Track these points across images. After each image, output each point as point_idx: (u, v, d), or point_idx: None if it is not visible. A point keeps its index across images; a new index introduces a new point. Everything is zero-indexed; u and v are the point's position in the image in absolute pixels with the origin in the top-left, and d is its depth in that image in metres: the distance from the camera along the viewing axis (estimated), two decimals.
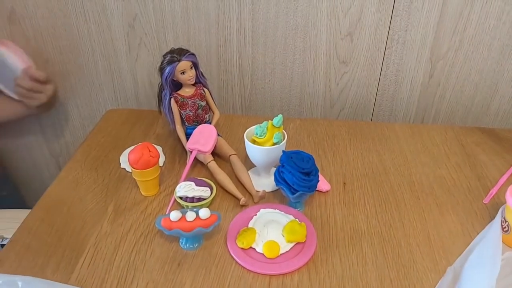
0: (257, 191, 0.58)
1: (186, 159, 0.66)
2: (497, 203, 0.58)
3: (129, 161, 0.56)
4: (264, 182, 0.61)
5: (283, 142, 0.57)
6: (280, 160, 0.54)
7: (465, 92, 0.80)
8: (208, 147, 0.61)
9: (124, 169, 0.65)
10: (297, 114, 0.86)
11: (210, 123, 0.66)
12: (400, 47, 0.76)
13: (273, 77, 0.82)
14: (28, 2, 0.76)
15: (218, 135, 0.65)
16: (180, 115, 0.65)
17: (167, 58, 0.62)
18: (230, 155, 0.63)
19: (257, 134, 0.56)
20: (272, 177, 0.60)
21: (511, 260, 0.49)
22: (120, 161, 0.67)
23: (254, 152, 0.56)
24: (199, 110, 0.65)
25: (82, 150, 0.68)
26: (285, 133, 0.57)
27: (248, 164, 0.63)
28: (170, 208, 0.56)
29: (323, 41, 0.76)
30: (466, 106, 0.82)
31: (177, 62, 0.61)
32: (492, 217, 0.55)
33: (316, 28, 0.75)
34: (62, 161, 0.97)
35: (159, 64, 0.63)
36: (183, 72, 0.62)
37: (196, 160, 0.64)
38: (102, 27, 0.78)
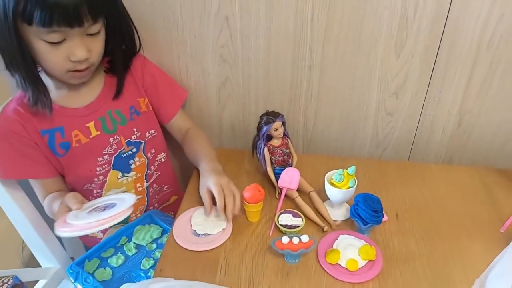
0: (334, 220, 0.79)
1: (275, 192, 0.87)
2: (510, 233, 0.77)
3: (244, 197, 0.77)
4: (336, 213, 0.82)
5: (355, 186, 0.77)
6: (356, 200, 0.75)
7: (485, 139, 1.00)
8: (295, 186, 0.82)
9: (195, 231, 0.78)
10: (348, 152, 1.06)
11: (291, 165, 0.87)
12: (435, 104, 0.96)
13: (331, 124, 1.02)
14: None
15: None
16: (271, 160, 0.86)
17: (264, 119, 0.83)
18: (310, 192, 0.84)
19: (336, 179, 0.77)
20: (342, 209, 0.82)
21: None
22: (192, 223, 0.79)
23: (335, 193, 0.78)
24: (285, 156, 0.86)
25: (193, 185, 0.90)
26: (356, 179, 0.78)
27: (322, 197, 0.84)
28: (272, 231, 0.77)
29: (374, 98, 0.96)
30: (486, 149, 1.02)
31: (272, 123, 0.82)
32: (507, 243, 0.73)
33: (369, 89, 0.95)
34: None
35: (252, 120, 0.85)
36: (276, 129, 0.83)
37: None
38: (200, 83, 0.99)
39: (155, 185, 0.99)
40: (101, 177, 0.89)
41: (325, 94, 0.98)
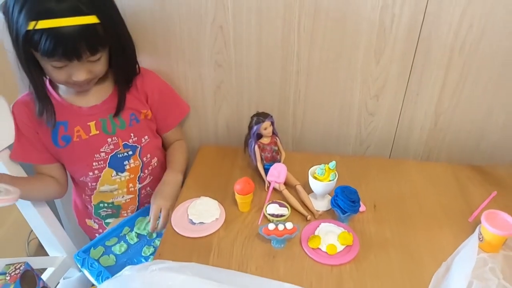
0: (316, 210, 0.87)
1: (264, 186, 0.95)
2: (477, 222, 0.85)
3: (235, 189, 0.86)
4: (319, 204, 0.90)
5: (335, 179, 0.86)
6: (335, 191, 0.83)
7: (460, 137, 1.08)
8: (282, 179, 0.90)
9: (191, 220, 0.86)
10: (334, 150, 1.14)
11: (280, 161, 0.95)
12: (413, 105, 1.04)
13: (318, 123, 1.10)
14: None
15: None
16: (261, 156, 0.94)
17: (254, 120, 0.91)
18: (296, 185, 0.92)
19: (319, 173, 0.85)
20: (325, 200, 0.90)
21: (483, 259, 0.77)
22: (188, 213, 0.88)
23: (317, 186, 0.86)
24: (274, 153, 0.94)
25: (191, 179, 0.99)
26: (337, 173, 0.86)
27: (307, 190, 0.92)
28: (261, 220, 0.85)
29: (357, 100, 1.05)
30: (461, 146, 1.10)
31: (262, 122, 0.90)
32: (473, 231, 0.82)
33: (352, 91, 1.04)
34: None
35: (246, 120, 0.93)
36: (265, 128, 0.91)
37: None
38: (197, 87, 1.08)
39: (148, 188, 1.06)
40: (96, 172, 0.98)
41: (311, 96, 1.06)
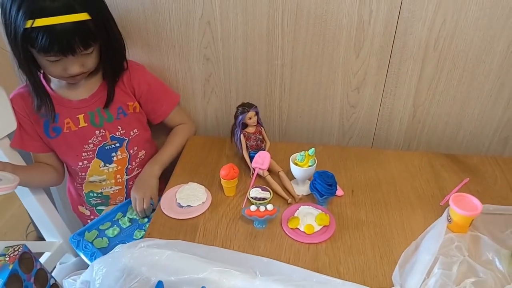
0: (297, 195, 0.93)
1: (249, 173, 1.00)
2: (448, 206, 0.90)
3: (220, 174, 0.91)
4: (301, 189, 0.95)
5: (314, 165, 0.91)
6: (314, 176, 0.88)
7: (438, 128, 1.14)
8: (266, 166, 0.95)
9: (179, 203, 0.92)
10: (318, 140, 1.20)
11: (264, 150, 1.01)
12: (392, 97, 1.10)
13: (302, 115, 1.16)
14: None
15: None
16: (246, 145, 0.99)
17: (239, 110, 0.97)
18: (279, 171, 0.98)
19: (299, 159, 0.91)
20: (306, 186, 0.95)
21: (450, 238, 0.82)
22: (176, 197, 0.93)
23: (297, 171, 0.91)
24: (258, 142, 0.99)
25: (180, 167, 1.04)
26: (316, 159, 0.92)
27: (289, 176, 0.97)
28: (245, 203, 0.91)
29: (339, 92, 1.10)
30: (439, 137, 1.16)
31: (247, 112, 0.96)
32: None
33: (334, 84, 1.09)
34: None
35: (234, 111, 0.98)
36: (250, 118, 0.97)
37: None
38: (187, 79, 1.13)
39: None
40: (85, 162, 1.03)
41: (296, 89, 1.11)
